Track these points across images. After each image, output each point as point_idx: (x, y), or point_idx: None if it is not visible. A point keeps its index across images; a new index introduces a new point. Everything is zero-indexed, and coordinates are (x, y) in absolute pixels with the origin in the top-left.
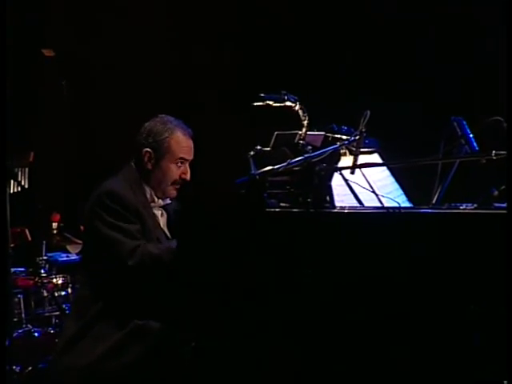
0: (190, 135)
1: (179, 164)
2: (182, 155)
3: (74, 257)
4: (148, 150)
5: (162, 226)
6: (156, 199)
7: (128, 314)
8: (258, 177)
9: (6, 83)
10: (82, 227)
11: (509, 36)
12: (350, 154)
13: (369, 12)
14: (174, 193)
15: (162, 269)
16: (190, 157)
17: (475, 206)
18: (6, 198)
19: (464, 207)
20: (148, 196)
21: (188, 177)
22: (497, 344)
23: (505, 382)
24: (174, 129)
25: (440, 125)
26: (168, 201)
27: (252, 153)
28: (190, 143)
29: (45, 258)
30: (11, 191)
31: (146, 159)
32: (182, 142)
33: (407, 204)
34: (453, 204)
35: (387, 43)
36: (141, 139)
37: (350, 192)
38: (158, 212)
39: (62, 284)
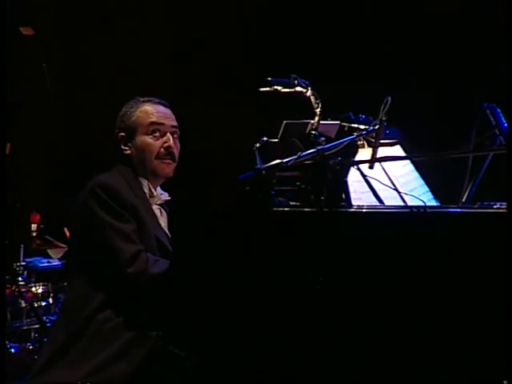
0: (161, 103)
1: (156, 134)
2: (151, 120)
3: (55, 262)
4: (121, 133)
5: (163, 226)
6: (155, 193)
7: (123, 323)
8: (264, 172)
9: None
10: (66, 230)
11: (509, 35)
12: (369, 145)
13: None
14: (164, 168)
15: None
16: (166, 121)
17: None
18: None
19: (498, 206)
20: (146, 190)
21: (172, 145)
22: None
23: (505, 382)
24: (142, 102)
25: (471, 113)
26: (167, 195)
27: (257, 145)
28: (162, 109)
29: (23, 263)
30: None
31: (122, 145)
32: (149, 110)
33: (434, 203)
34: (485, 203)
35: (411, 23)
36: (115, 130)
37: (368, 189)
38: (157, 210)
39: (42, 293)
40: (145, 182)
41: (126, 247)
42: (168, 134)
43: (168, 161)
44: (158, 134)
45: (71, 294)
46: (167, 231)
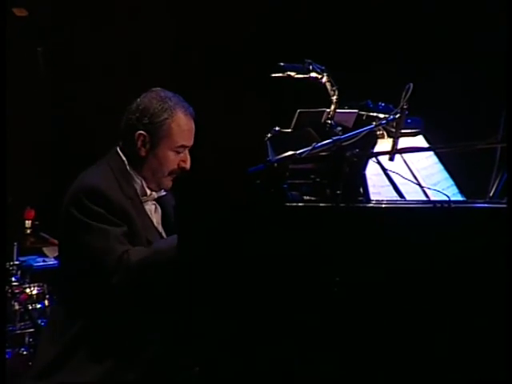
0: (191, 116)
1: (179, 151)
2: (183, 142)
3: (51, 261)
4: (143, 133)
5: (155, 224)
6: (148, 192)
7: (116, 336)
8: (276, 164)
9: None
10: None
11: (509, 35)
12: (389, 136)
13: None
14: (169, 184)
15: (154, 274)
16: (191, 142)
17: None
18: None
19: None
20: (138, 188)
21: (188, 166)
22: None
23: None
24: (175, 108)
25: (499, 100)
26: (163, 192)
27: (269, 135)
28: (192, 126)
29: (17, 262)
30: None
31: (139, 144)
32: (183, 126)
33: (459, 197)
34: None
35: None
36: (133, 119)
37: (388, 183)
38: (151, 207)
39: (37, 295)
40: (138, 180)
41: (113, 248)
42: (186, 151)
43: (175, 176)
44: (180, 151)
45: (57, 303)
46: (161, 229)
